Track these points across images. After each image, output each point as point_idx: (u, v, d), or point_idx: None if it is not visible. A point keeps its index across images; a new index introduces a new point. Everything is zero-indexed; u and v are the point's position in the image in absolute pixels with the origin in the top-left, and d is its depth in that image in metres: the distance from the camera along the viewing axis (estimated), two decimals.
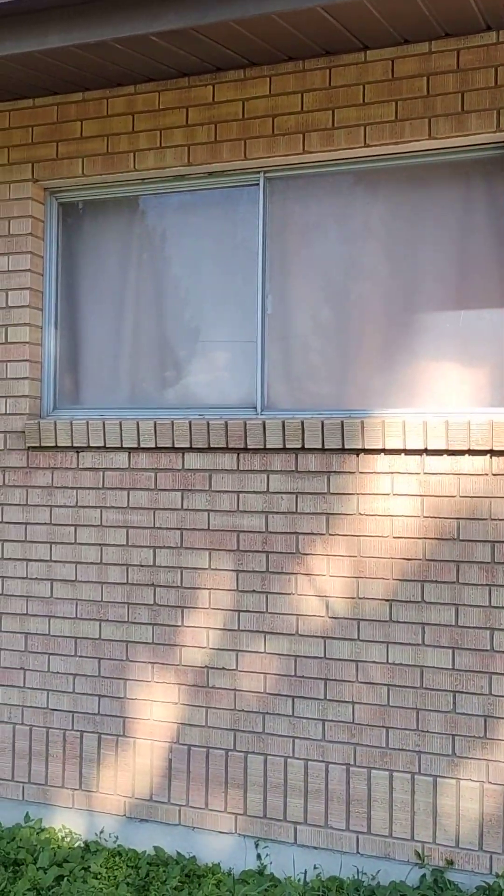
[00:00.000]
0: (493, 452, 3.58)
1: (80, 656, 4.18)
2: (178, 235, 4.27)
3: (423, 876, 3.59)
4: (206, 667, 3.97)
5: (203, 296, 4.22)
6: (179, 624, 4.02)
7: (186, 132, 4.07)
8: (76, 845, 4.06)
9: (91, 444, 4.16)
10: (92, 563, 4.18)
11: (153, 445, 4.05)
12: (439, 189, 3.84)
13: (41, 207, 4.39)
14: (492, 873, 3.52)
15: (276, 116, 3.93)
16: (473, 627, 3.59)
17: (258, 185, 4.06)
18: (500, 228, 3.73)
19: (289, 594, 3.85)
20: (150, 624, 4.07)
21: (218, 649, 3.95)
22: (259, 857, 3.83)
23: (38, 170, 4.32)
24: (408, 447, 3.67)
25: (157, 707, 4.04)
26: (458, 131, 3.66)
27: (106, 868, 3.82)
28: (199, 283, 4.23)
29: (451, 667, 3.61)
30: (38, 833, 4.09)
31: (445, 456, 3.65)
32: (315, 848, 3.76)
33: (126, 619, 4.11)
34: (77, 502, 4.21)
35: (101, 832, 4.09)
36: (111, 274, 4.38)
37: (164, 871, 3.76)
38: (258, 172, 4.05)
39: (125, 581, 4.12)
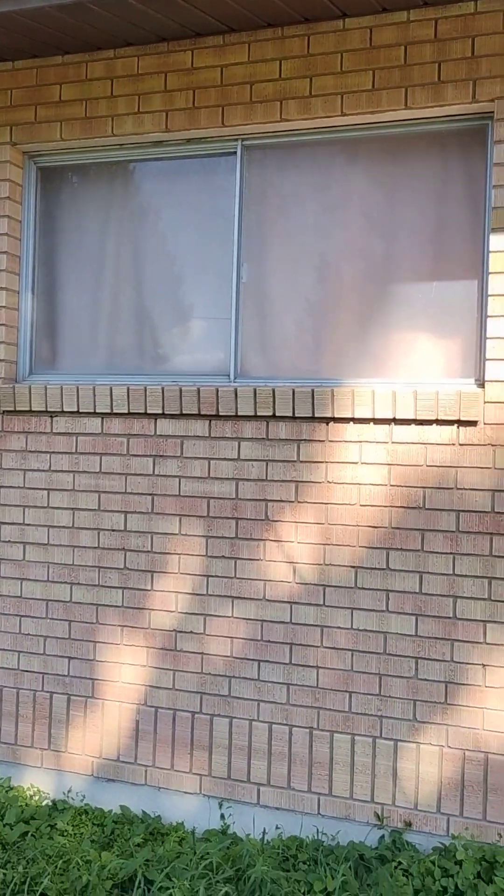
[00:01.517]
0: (460, 423, 3.62)
1: (52, 618, 4.22)
2: (157, 203, 4.27)
3: (382, 837, 3.66)
4: (174, 630, 4.01)
5: (180, 263, 4.23)
6: (149, 588, 4.06)
7: (165, 98, 4.07)
8: (44, 804, 4.12)
9: (65, 409, 4.18)
10: (64, 526, 4.21)
11: (126, 411, 4.07)
12: (416, 160, 3.85)
13: (19, 171, 4.38)
14: (448, 835, 3.59)
15: (254, 83, 3.92)
16: (437, 595, 3.64)
17: (236, 153, 4.06)
18: (475, 200, 3.75)
19: (257, 560, 3.90)
20: (121, 588, 4.11)
21: (186, 613, 4.00)
22: (222, 816, 3.90)
23: (16, 133, 4.31)
24: (377, 416, 3.71)
25: (125, 669, 4.09)
26: (434, 101, 3.67)
27: (72, 826, 3.88)
28: (176, 251, 4.24)
29: (413, 633, 3.67)
30: (6, 791, 4.14)
31: (413, 426, 3.68)
32: (277, 809, 3.83)
33: (97, 583, 4.15)
34: (50, 466, 4.24)
35: (69, 791, 4.15)
36: (89, 240, 4.38)
37: (128, 829, 3.83)
38: (236, 140, 4.05)
39: (96, 545, 4.15)
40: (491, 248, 3.59)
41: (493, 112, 3.63)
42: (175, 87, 4.04)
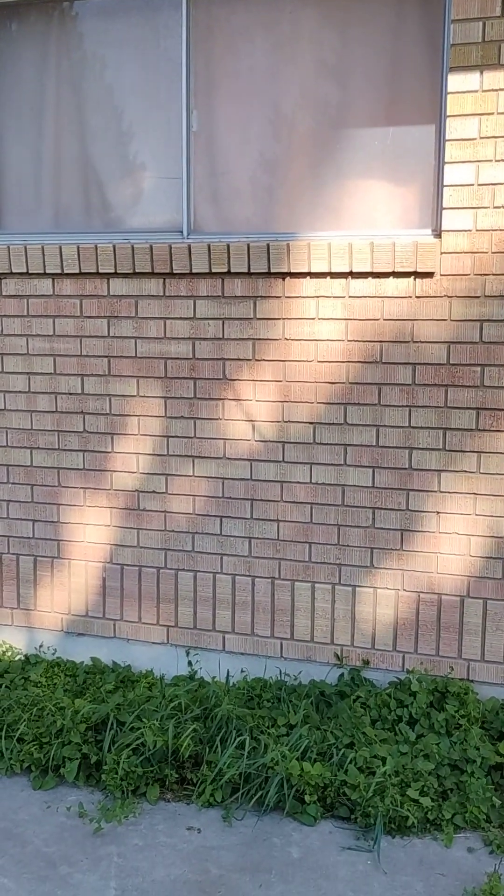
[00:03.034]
0: (417, 274, 3.58)
1: (13, 483, 4.24)
2: (99, 45, 4.01)
3: (342, 675, 3.87)
4: (136, 490, 4.07)
5: (126, 112, 4.03)
6: (109, 450, 4.08)
7: None
8: (16, 659, 4.27)
9: (13, 271, 4.05)
10: (20, 391, 4.17)
11: (77, 271, 3.96)
12: None
13: None
14: (403, 670, 3.81)
15: None
16: (393, 447, 3.71)
17: None
18: (433, 37, 3.57)
19: (216, 419, 3.92)
20: (81, 451, 4.12)
21: (148, 474, 4.04)
22: (190, 664, 4.08)
23: None
24: (333, 270, 3.65)
25: (90, 530, 4.16)
26: None
27: (45, 677, 4.03)
28: (121, 98, 4.02)
29: (370, 485, 3.76)
30: None
31: (370, 279, 3.64)
32: (242, 654, 4.01)
33: (57, 447, 4.15)
34: (2, 331, 4.15)
35: (41, 646, 4.30)
36: (29, 88, 4.13)
37: (100, 678, 3.99)
38: None
39: (54, 409, 4.13)
40: (449, 90, 3.45)
41: None
42: None
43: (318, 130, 3.78)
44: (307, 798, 3.21)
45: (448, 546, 3.69)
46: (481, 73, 3.41)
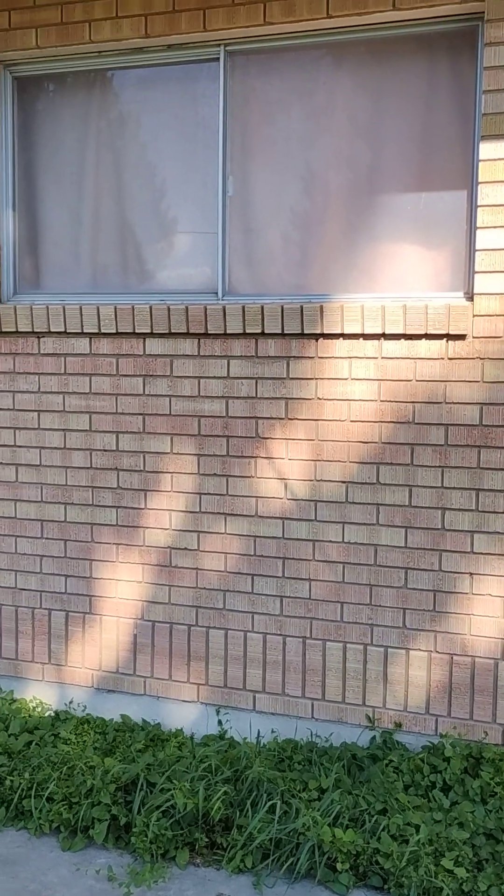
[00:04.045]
0: (449, 336, 3.62)
1: (47, 538, 4.28)
2: (138, 113, 4.15)
3: (373, 738, 3.82)
4: (168, 547, 4.09)
5: (163, 177, 4.14)
6: (143, 506, 4.12)
7: (144, 1, 3.90)
8: (46, 714, 4.26)
9: (52, 330, 4.15)
10: (56, 447, 4.23)
11: (114, 331, 4.05)
12: (403, 64, 3.73)
13: None
14: (437, 734, 3.75)
15: None
16: (426, 507, 3.71)
17: (219, 59, 3.93)
18: (464, 106, 3.66)
19: (249, 477, 3.94)
20: (115, 507, 4.16)
21: (180, 530, 4.06)
22: (220, 723, 4.05)
23: None
24: (366, 332, 3.70)
25: (122, 586, 4.18)
26: (422, 2, 3.54)
27: (75, 734, 4.02)
28: (159, 164, 4.14)
29: (403, 545, 3.75)
30: (9, 703, 4.28)
31: (403, 340, 3.68)
32: (273, 714, 3.98)
33: (91, 503, 4.20)
34: (39, 388, 4.23)
35: (71, 702, 4.29)
36: (70, 153, 4.27)
37: (129, 736, 3.97)
38: (218, 46, 3.91)
39: (89, 465, 4.19)
40: (480, 157, 3.52)
41: (483, 12, 3.51)
42: None
43: (351, 195, 3.86)
44: (339, 866, 3.16)
45: (481, 608, 3.66)
46: None
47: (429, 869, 3.07)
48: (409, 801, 3.38)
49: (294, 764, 3.70)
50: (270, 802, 3.34)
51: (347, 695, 3.87)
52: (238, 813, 3.37)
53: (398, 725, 3.80)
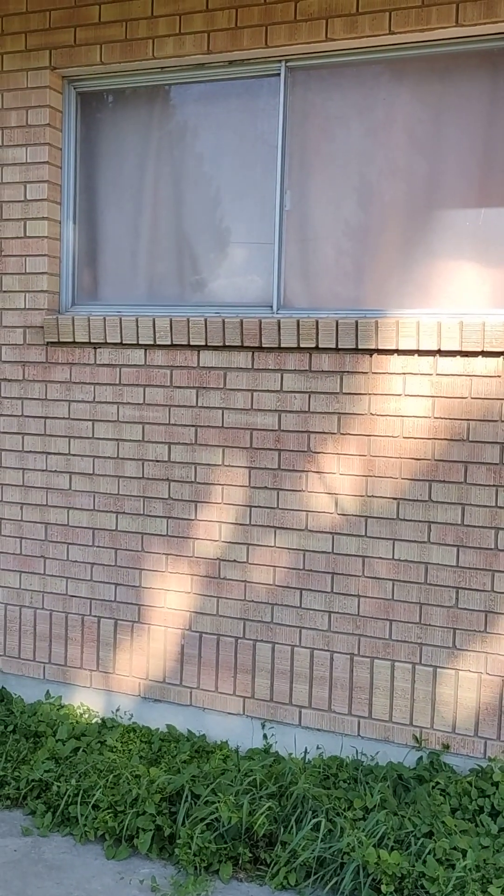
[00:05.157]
0: None
1: (98, 546, 4.33)
2: (198, 128, 4.19)
3: (420, 758, 3.77)
4: (218, 559, 4.10)
5: (222, 190, 4.17)
6: (193, 518, 4.13)
7: (206, 18, 3.95)
8: (93, 721, 4.30)
9: (108, 341, 4.20)
10: (109, 457, 4.28)
11: (169, 342, 4.08)
12: (465, 80, 3.71)
13: (59, 97, 4.31)
14: (485, 757, 3.69)
15: (298, 1, 3.79)
16: (478, 527, 3.66)
17: (279, 74, 3.95)
18: None
19: (299, 491, 3.94)
20: (165, 517, 4.19)
21: (230, 543, 4.07)
22: (265, 736, 4.04)
23: (55, 57, 4.23)
24: (421, 348, 3.67)
25: (170, 596, 4.20)
26: (486, 18, 3.51)
27: (121, 742, 4.05)
28: (218, 178, 4.18)
29: (455, 564, 3.71)
30: (57, 709, 4.33)
31: (458, 357, 3.65)
32: (318, 730, 3.96)
33: (142, 512, 4.23)
34: (94, 398, 4.28)
35: (118, 710, 4.32)
36: (130, 167, 4.33)
37: (175, 747, 3.99)
38: (279, 61, 3.93)
39: (141, 475, 4.22)
40: None
41: None
42: (217, 6, 3.92)
43: (409, 211, 3.84)
44: (383, 888, 3.12)
45: None
46: None
47: (475, 895, 3.02)
48: (455, 825, 3.33)
49: (339, 782, 3.67)
50: (315, 820, 3.32)
51: (394, 714, 3.84)
52: (282, 829, 3.35)
53: (446, 747, 3.75)
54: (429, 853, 3.17)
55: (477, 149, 3.72)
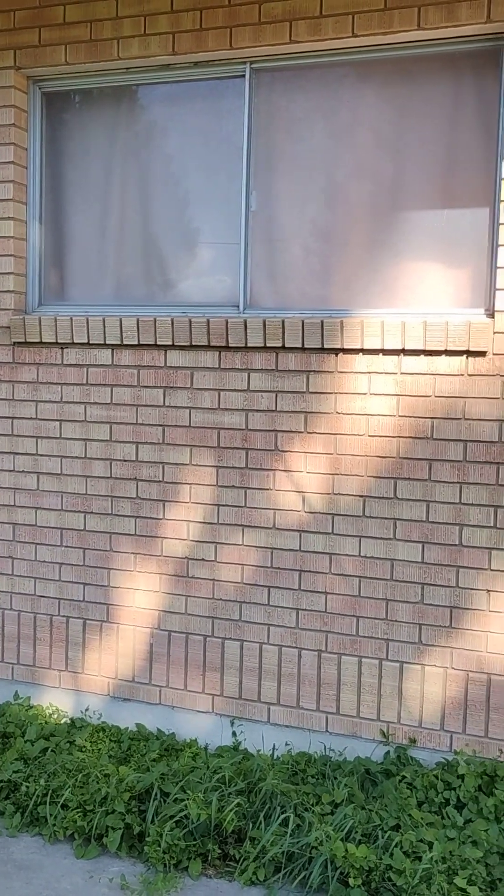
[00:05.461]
0: (469, 353, 3.63)
1: (66, 546, 4.32)
2: (164, 128, 4.20)
3: (388, 753, 3.82)
4: (186, 558, 4.11)
5: (187, 191, 4.19)
6: (161, 517, 4.15)
7: (171, 19, 3.96)
8: (62, 721, 4.29)
9: (75, 341, 4.20)
10: (77, 457, 4.28)
11: (136, 342, 4.09)
12: (428, 83, 3.76)
13: (24, 97, 4.30)
14: (451, 750, 3.74)
15: (262, 3, 3.81)
16: (443, 523, 3.71)
17: (244, 76, 3.98)
18: (488, 124, 3.68)
19: (267, 489, 3.97)
20: (133, 517, 4.19)
21: (198, 541, 4.09)
22: (234, 734, 4.06)
23: (20, 57, 4.22)
24: (386, 347, 3.72)
25: (139, 595, 4.20)
26: (447, 21, 3.57)
27: (90, 742, 4.05)
28: (184, 178, 4.19)
29: (420, 560, 3.75)
30: (26, 710, 4.31)
31: (422, 356, 3.70)
32: (287, 727, 3.99)
33: (110, 512, 4.23)
34: (62, 398, 4.28)
35: (87, 710, 4.32)
36: (97, 167, 4.33)
37: (144, 745, 3.99)
38: (244, 63, 3.96)
39: (109, 475, 4.22)
40: (503, 175, 3.54)
41: None
42: (182, 7, 3.94)
43: (373, 212, 3.89)
44: (351, 881, 3.16)
45: (498, 625, 3.65)
46: None
47: (442, 887, 3.06)
48: (422, 818, 3.37)
49: (307, 777, 3.70)
50: (283, 815, 3.35)
51: (362, 709, 3.88)
52: (251, 825, 3.37)
53: (412, 741, 3.80)
54: (396, 846, 3.21)
55: (440, 150, 3.78)
